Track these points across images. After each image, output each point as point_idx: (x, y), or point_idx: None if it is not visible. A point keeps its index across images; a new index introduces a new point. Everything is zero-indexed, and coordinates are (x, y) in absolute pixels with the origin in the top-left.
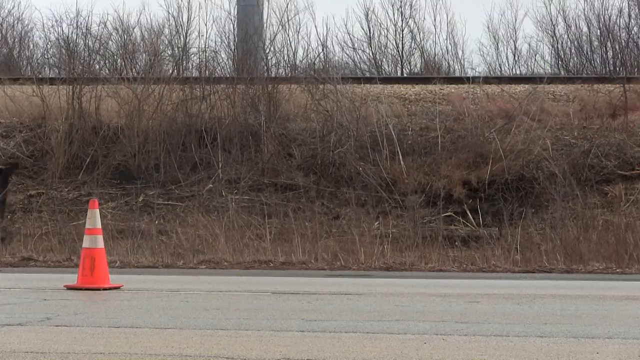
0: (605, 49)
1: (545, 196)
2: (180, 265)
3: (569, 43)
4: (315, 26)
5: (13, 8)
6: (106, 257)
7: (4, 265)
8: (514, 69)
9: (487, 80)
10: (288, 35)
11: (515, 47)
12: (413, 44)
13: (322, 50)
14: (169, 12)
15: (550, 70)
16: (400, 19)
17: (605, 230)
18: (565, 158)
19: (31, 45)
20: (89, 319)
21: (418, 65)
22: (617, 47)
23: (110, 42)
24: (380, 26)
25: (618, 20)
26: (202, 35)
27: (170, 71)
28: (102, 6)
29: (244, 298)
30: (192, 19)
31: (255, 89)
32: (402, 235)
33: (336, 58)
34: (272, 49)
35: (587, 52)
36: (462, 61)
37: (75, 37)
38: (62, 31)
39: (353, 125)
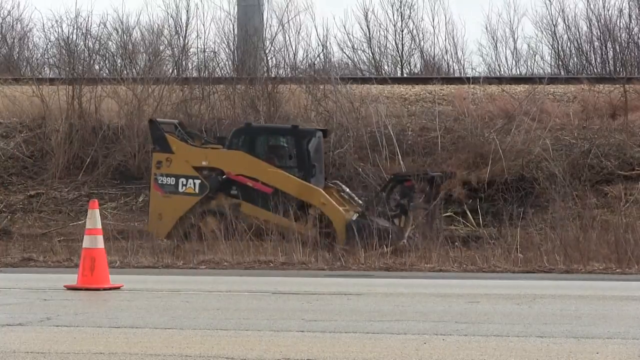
0: (606, 49)
1: (545, 196)
2: (180, 265)
3: (569, 43)
4: (315, 27)
5: (13, 8)
6: (106, 257)
7: (4, 265)
8: (513, 69)
9: (487, 80)
10: (288, 36)
11: (514, 48)
12: (413, 45)
13: (322, 50)
14: (167, 13)
15: (550, 71)
16: (399, 19)
17: (605, 230)
18: (565, 158)
19: (31, 46)
20: (89, 319)
21: (418, 66)
22: (617, 47)
23: (110, 43)
24: (380, 26)
25: (618, 21)
26: (201, 37)
27: (170, 71)
28: (102, 6)
29: (244, 298)
30: (191, 19)
31: (255, 89)
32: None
33: (336, 58)
34: (272, 49)
35: (587, 53)
36: (461, 61)
37: (75, 38)
38: (62, 31)
39: (353, 126)
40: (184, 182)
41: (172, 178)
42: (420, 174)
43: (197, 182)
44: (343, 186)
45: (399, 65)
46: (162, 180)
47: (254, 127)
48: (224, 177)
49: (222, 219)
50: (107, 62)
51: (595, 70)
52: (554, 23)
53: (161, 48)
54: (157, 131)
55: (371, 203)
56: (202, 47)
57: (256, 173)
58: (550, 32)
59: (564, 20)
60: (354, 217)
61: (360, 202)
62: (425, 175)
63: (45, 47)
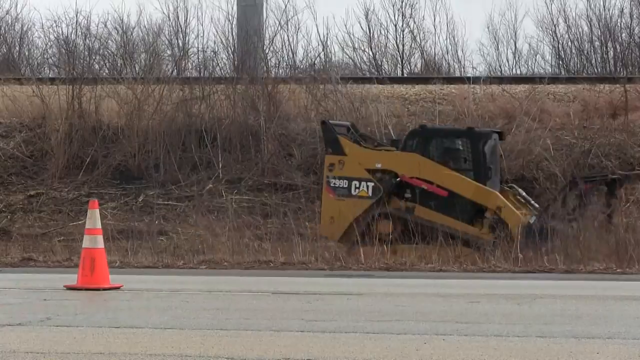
0: (606, 49)
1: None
2: (180, 265)
3: (569, 43)
4: (316, 26)
5: (11, 8)
6: (106, 257)
7: (4, 265)
8: (514, 69)
9: (488, 80)
10: (288, 36)
11: (515, 47)
12: (413, 44)
13: (322, 50)
14: (167, 14)
15: (550, 71)
16: (400, 19)
17: (605, 230)
18: (565, 158)
19: (30, 46)
20: (89, 319)
21: (418, 66)
22: (617, 47)
23: (109, 42)
24: (381, 26)
25: (619, 21)
26: (202, 37)
27: (170, 71)
28: (101, 6)
29: (244, 298)
30: (190, 20)
31: (255, 89)
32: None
33: (336, 58)
34: (272, 49)
35: (587, 52)
36: (462, 61)
37: (74, 37)
38: (62, 31)
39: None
40: (357, 185)
41: (345, 181)
42: (600, 176)
43: (371, 184)
44: (519, 190)
45: (399, 65)
46: (334, 183)
47: (429, 129)
48: (397, 179)
49: (396, 222)
50: (107, 61)
51: (595, 70)
52: (555, 23)
53: (161, 48)
54: (329, 133)
55: (549, 206)
56: (202, 47)
57: (431, 176)
58: (550, 32)
59: (565, 20)
60: (532, 220)
61: (537, 205)
62: (605, 178)
63: (44, 47)
